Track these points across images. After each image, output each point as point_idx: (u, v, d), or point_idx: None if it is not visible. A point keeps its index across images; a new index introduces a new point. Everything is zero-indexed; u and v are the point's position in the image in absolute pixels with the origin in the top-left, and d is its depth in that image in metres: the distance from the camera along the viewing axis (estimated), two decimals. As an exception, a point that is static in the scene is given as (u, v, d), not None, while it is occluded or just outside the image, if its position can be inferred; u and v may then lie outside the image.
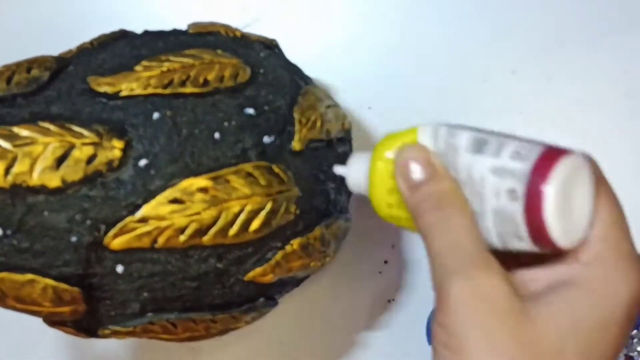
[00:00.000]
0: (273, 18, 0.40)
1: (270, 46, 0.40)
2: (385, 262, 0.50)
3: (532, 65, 0.53)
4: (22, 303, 0.32)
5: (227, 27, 0.39)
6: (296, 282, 0.41)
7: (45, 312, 0.33)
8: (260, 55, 0.38)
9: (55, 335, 0.48)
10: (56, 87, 0.34)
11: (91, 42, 0.37)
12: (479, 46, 0.53)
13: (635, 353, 0.48)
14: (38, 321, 0.49)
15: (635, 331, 0.49)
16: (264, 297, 0.38)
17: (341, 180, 0.40)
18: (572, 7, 0.54)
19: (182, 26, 0.40)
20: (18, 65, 0.34)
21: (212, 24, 0.39)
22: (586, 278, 0.23)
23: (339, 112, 0.41)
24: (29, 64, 0.34)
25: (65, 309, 0.33)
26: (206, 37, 0.38)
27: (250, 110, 0.35)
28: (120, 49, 0.36)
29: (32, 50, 0.36)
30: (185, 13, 0.40)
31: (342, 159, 0.40)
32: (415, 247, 0.50)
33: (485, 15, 0.54)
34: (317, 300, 0.49)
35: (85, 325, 0.35)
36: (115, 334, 0.35)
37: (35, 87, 0.33)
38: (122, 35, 0.38)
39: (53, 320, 0.36)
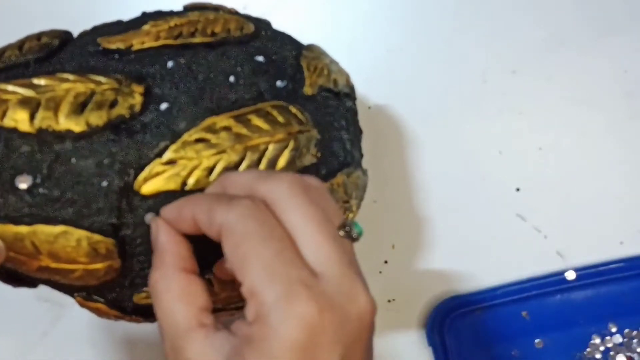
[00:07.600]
0: (273, 18, 0.40)
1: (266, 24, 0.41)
2: (385, 262, 0.50)
3: (532, 65, 0.53)
4: (57, 260, 0.32)
5: (223, 7, 0.40)
6: None
7: (81, 270, 0.32)
8: (260, 21, 0.39)
9: (55, 337, 0.48)
10: (68, 51, 0.34)
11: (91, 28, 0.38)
12: (478, 46, 0.53)
13: (636, 354, 0.48)
14: (38, 322, 0.49)
15: (635, 332, 0.49)
16: None
17: (355, 134, 0.40)
18: (572, 7, 0.54)
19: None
20: (27, 36, 0.35)
21: (209, 3, 0.40)
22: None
23: (342, 68, 0.42)
24: (38, 35, 0.35)
25: (100, 265, 0.32)
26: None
27: (260, 58, 0.36)
28: (126, 22, 0.37)
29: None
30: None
31: (351, 113, 0.40)
32: (415, 247, 0.50)
33: (485, 15, 0.54)
34: (317, 300, 0.49)
35: (118, 294, 0.35)
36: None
37: (47, 52, 0.34)
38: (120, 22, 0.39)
39: (86, 297, 0.35)
